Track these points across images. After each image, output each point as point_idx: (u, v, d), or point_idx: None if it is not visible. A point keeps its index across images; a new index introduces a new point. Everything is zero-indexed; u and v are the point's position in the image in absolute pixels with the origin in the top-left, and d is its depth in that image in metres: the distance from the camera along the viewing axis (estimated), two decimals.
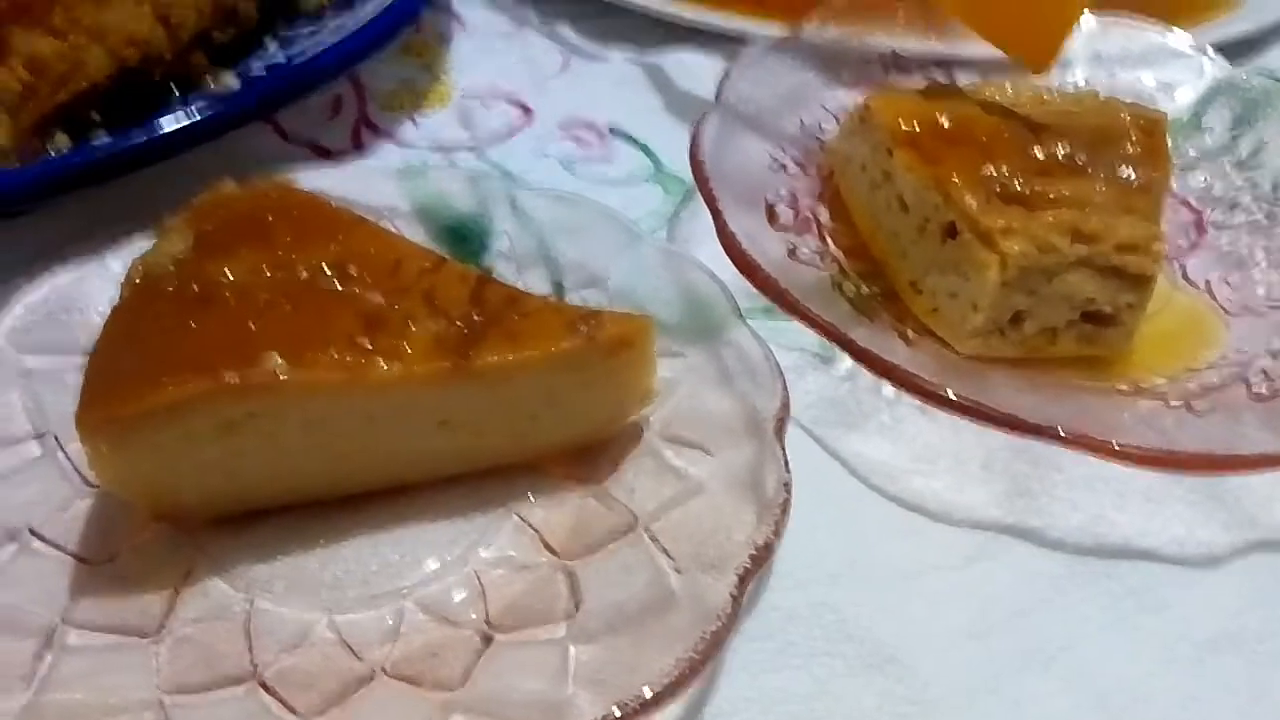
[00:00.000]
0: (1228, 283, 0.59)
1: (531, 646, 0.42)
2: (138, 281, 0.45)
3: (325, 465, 0.45)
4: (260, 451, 0.43)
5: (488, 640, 0.42)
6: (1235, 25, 0.77)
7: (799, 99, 0.64)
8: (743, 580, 0.41)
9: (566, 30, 0.77)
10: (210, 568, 0.44)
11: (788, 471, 0.44)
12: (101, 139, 0.57)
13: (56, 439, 0.47)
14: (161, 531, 0.45)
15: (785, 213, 0.58)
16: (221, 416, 0.42)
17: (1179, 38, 0.68)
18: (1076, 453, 0.46)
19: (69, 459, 0.47)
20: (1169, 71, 0.67)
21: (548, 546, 0.46)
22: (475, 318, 0.45)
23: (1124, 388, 0.53)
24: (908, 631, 0.45)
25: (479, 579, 0.45)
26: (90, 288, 0.51)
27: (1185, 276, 0.60)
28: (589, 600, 0.43)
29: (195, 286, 0.44)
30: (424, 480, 0.47)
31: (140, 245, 0.49)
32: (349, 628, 0.43)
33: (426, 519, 0.47)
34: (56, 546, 0.44)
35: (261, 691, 0.41)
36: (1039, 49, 0.65)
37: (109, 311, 0.45)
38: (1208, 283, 0.59)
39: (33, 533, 0.44)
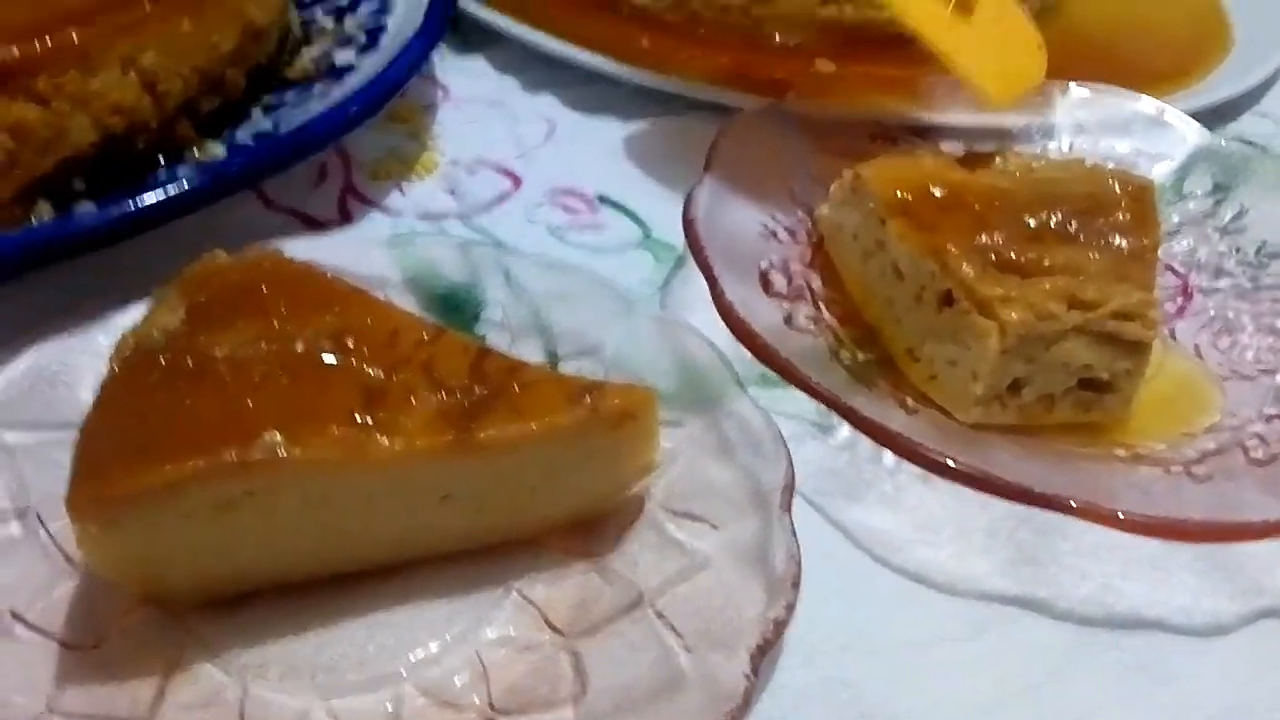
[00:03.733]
0: (1217, 347, 0.60)
1: None
2: (128, 355, 0.44)
3: (322, 544, 0.44)
4: (256, 531, 0.42)
5: None
6: (1210, 94, 0.79)
7: (787, 168, 0.64)
8: (755, 659, 0.40)
9: (552, 99, 0.77)
10: (201, 652, 0.43)
11: (797, 545, 0.43)
12: (85, 208, 0.56)
13: (39, 517, 0.45)
14: (150, 615, 0.43)
15: (779, 280, 0.58)
16: (218, 495, 0.41)
17: (1158, 106, 0.69)
18: (1080, 521, 0.46)
19: (52, 538, 0.45)
20: (1150, 139, 0.68)
21: (550, 625, 0.44)
22: (476, 390, 0.44)
23: (1122, 454, 0.53)
24: (922, 707, 0.44)
25: (480, 660, 0.43)
26: (75, 361, 0.50)
27: (1175, 340, 0.60)
28: (595, 681, 0.42)
29: (188, 360, 0.43)
30: (422, 557, 0.46)
31: (126, 317, 0.48)
32: (346, 713, 0.42)
33: (425, 598, 0.45)
34: (40, 631, 0.42)
35: None
36: (1004, 83, 0.64)
37: (96, 386, 0.44)
38: (1196, 347, 0.60)
39: (15, 616, 0.42)
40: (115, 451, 0.41)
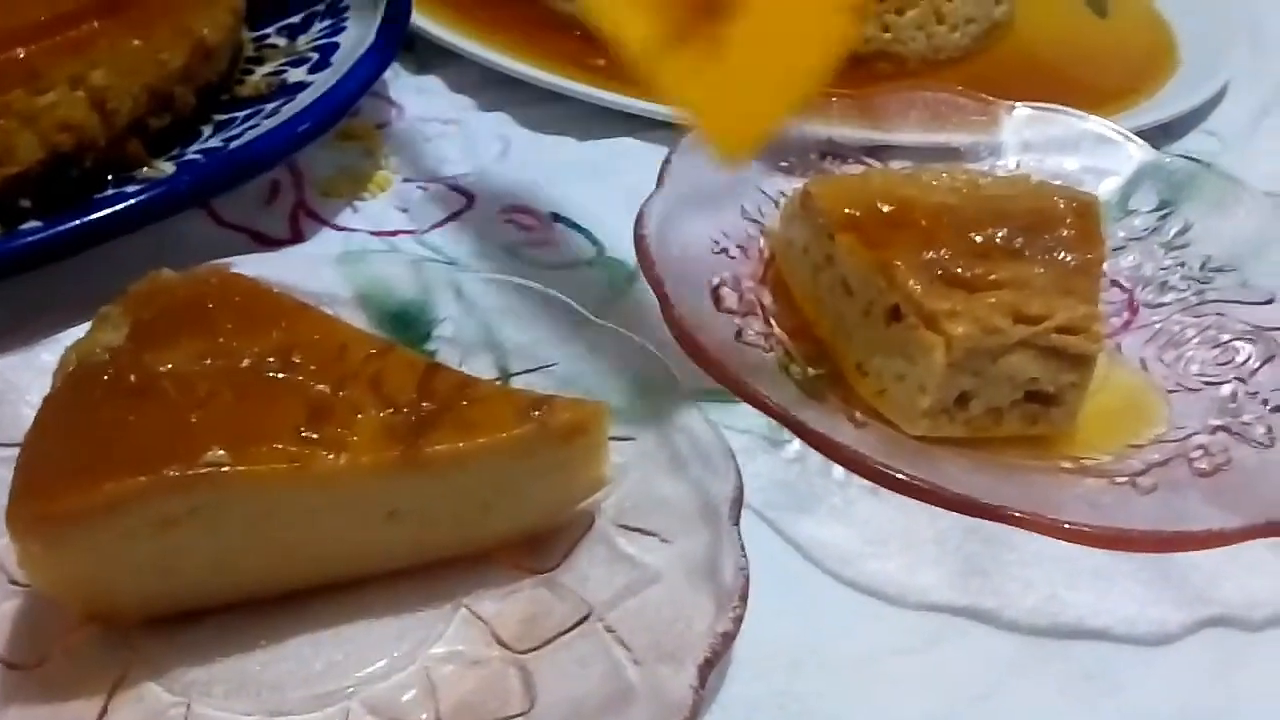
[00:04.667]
0: (1162, 361, 0.60)
1: None
2: (71, 371, 0.44)
3: (268, 561, 0.44)
4: (200, 548, 0.42)
5: None
6: (1156, 112, 0.80)
7: (738, 185, 0.65)
8: (704, 672, 0.40)
9: (505, 118, 0.77)
10: (146, 671, 0.42)
11: (745, 557, 0.44)
12: (32, 226, 0.55)
13: None
14: (94, 633, 0.43)
15: (730, 295, 0.58)
16: (161, 512, 0.40)
17: (1103, 124, 0.70)
18: (1027, 532, 0.46)
19: None
20: (1095, 157, 0.69)
21: (499, 640, 0.44)
22: (424, 405, 0.44)
23: (1069, 466, 0.53)
24: (872, 719, 0.44)
25: (429, 676, 0.43)
26: (19, 379, 0.49)
27: (1121, 354, 0.61)
28: (544, 695, 0.42)
29: (132, 376, 0.43)
30: (370, 574, 0.46)
31: (73, 335, 0.47)
32: None
33: (372, 615, 0.45)
34: None
35: None
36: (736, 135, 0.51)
37: (39, 403, 0.43)
38: (1142, 360, 0.60)
39: None
40: (57, 468, 0.40)
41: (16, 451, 0.41)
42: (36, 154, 0.57)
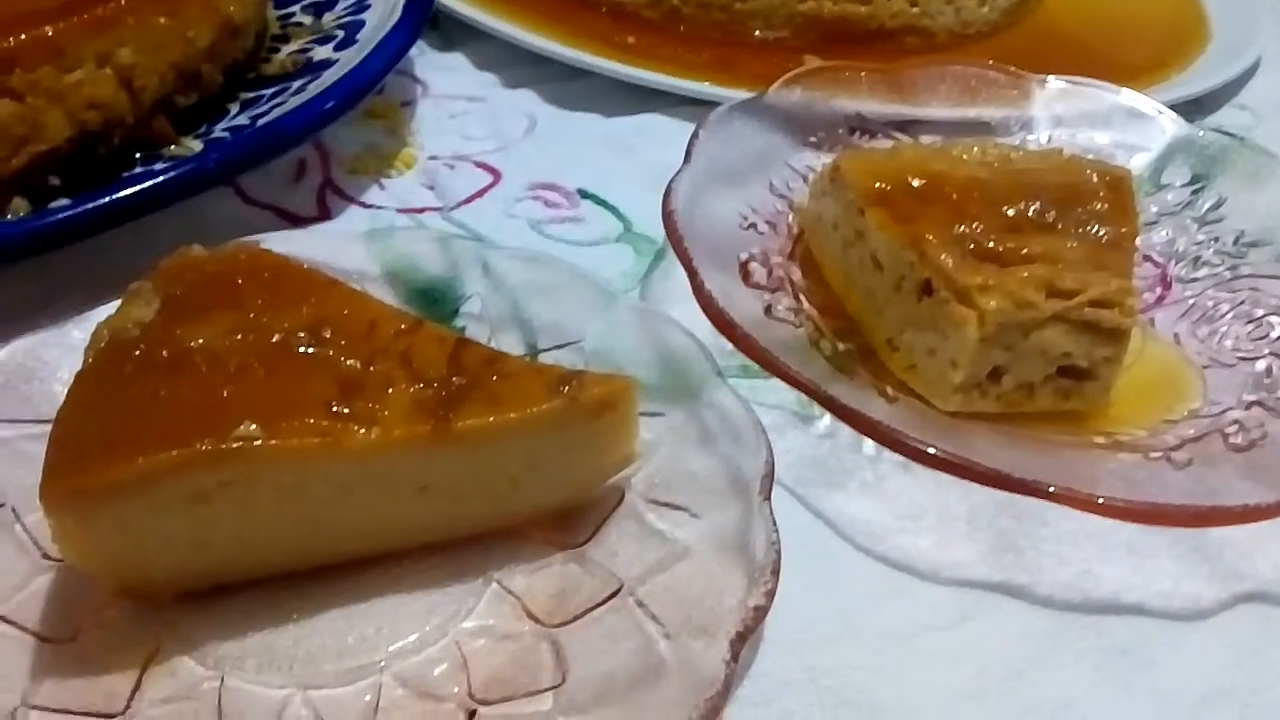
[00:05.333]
0: (1196, 336, 0.60)
1: None
2: (103, 347, 0.44)
3: (299, 535, 0.44)
4: (232, 522, 0.42)
5: (471, 715, 0.41)
6: (1188, 86, 0.79)
7: (766, 160, 0.64)
8: (735, 645, 0.40)
9: (531, 94, 0.77)
10: (178, 645, 0.42)
11: (776, 532, 0.43)
12: (61, 203, 0.56)
13: (14, 511, 0.45)
14: (126, 608, 0.43)
15: (759, 271, 0.58)
16: (193, 486, 0.40)
17: (1136, 98, 0.69)
18: (1060, 507, 0.46)
19: (27, 532, 0.45)
20: (1128, 131, 0.68)
21: (530, 614, 0.44)
22: (454, 380, 0.44)
23: (1102, 441, 0.53)
24: (905, 695, 0.44)
25: (460, 650, 0.43)
26: (50, 356, 0.49)
27: (1154, 329, 0.60)
28: (576, 669, 0.42)
29: (164, 352, 0.43)
30: (401, 549, 0.46)
31: (103, 312, 0.47)
32: (325, 704, 0.41)
33: (404, 589, 0.45)
34: (16, 625, 0.42)
35: None
36: None
37: (70, 380, 0.43)
38: (1176, 336, 0.60)
39: None
40: (89, 443, 0.40)
41: (49, 428, 0.41)
42: (65, 132, 0.57)
